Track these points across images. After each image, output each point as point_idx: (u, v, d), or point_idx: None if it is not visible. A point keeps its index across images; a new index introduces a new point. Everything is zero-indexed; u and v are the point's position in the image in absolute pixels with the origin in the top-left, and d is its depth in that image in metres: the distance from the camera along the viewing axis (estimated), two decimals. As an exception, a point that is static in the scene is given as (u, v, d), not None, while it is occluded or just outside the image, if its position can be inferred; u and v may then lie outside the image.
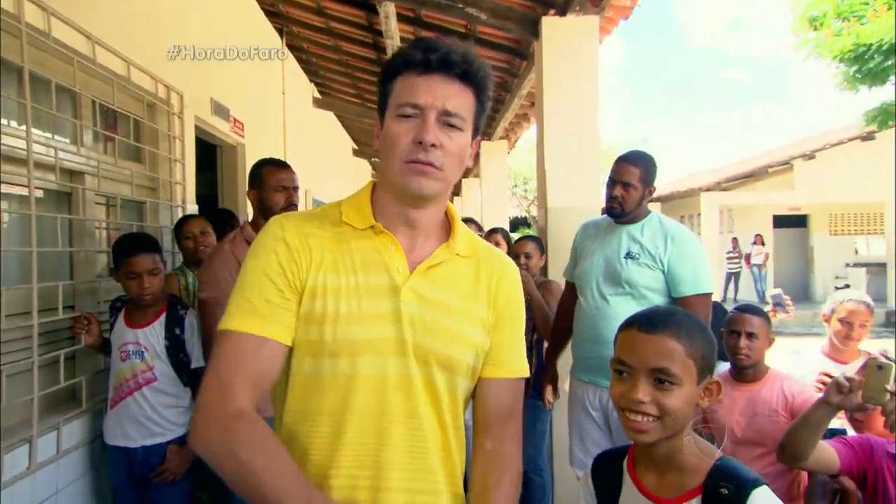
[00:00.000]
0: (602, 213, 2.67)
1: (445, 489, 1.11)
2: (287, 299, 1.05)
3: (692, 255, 2.45)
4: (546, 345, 3.14)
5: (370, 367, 1.05)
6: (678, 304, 2.42)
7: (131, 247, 2.43)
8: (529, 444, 3.33)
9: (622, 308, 2.36)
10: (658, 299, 2.44)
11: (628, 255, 2.47)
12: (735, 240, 15.68)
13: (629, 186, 2.46)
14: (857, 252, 15.92)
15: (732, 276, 15.59)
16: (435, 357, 1.08)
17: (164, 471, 2.44)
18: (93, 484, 2.62)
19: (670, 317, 1.21)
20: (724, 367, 2.54)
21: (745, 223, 16.21)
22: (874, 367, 1.67)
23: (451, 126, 1.05)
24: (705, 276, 2.45)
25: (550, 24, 3.56)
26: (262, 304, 1.04)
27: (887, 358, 1.90)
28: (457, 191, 13.57)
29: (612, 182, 2.50)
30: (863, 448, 1.84)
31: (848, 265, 15.28)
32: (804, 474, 2.23)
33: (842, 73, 9.62)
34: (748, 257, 15.30)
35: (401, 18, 4.70)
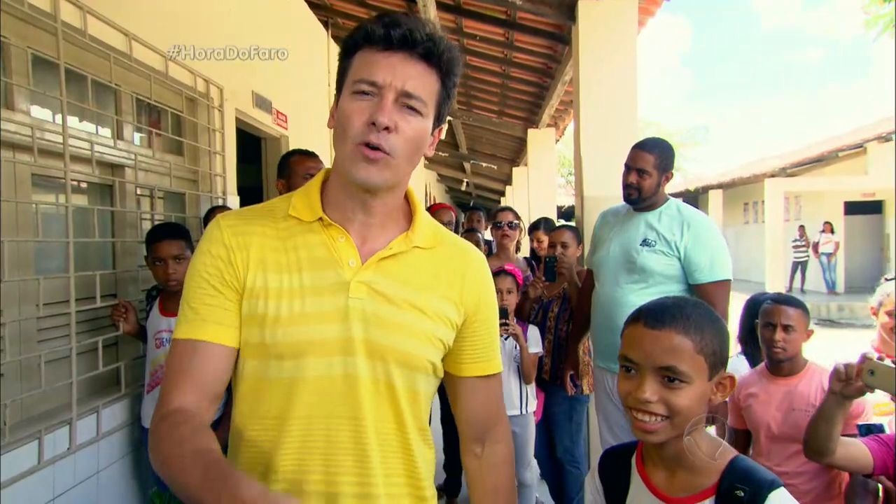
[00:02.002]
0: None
1: (405, 492, 1.06)
2: (228, 299, 1.01)
3: (709, 242, 2.43)
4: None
5: (315, 368, 1.00)
6: (695, 291, 2.40)
7: (158, 233, 2.53)
8: (566, 436, 3.30)
9: (637, 296, 2.38)
10: (674, 287, 2.43)
11: (644, 243, 2.47)
12: (802, 227, 15.02)
13: (644, 173, 2.46)
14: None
15: (799, 266, 14.96)
16: (391, 353, 1.02)
17: None
18: (133, 465, 2.73)
19: (678, 310, 1.13)
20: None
21: (814, 210, 15.49)
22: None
23: (410, 108, 0.98)
24: (723, 264, 2.42)
25: (587, 8, 3.47)
26: (200, 308, 1.01)
27: None
28: (508, 180, 13.48)
29: (628, 169, 2.51)
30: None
31: (929, 253, 14.40)
32: (844, 473, 2.12)
33: (916, 50, 9.02)
34: (815, 246, 14.63)
35: (440, 7, 4.68)
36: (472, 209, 5.12)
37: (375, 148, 0.96)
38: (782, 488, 1.08)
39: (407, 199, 1.13)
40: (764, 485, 1.07)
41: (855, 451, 1.71)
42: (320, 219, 1.04)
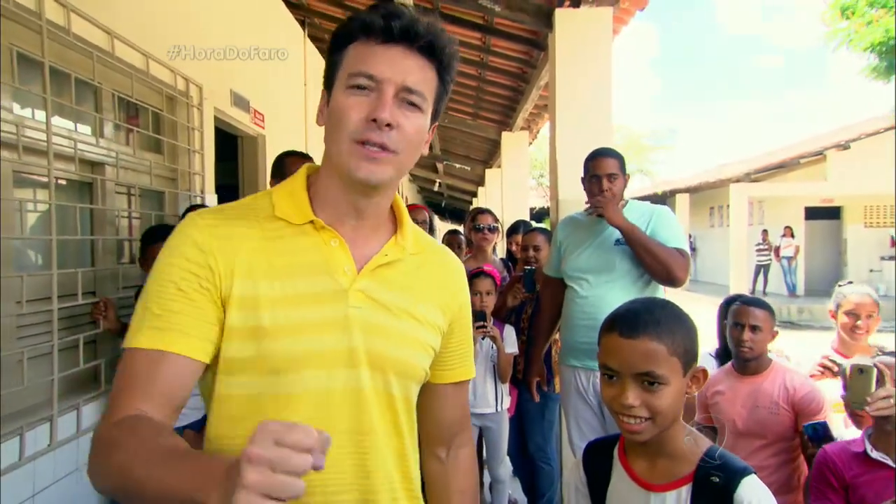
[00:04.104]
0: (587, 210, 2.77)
1: (403, 496, 1.03)
2: (200, 308, 0.90)
3: (672, 221, 2.64)
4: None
5: (315, 381, 0.94)
6: None
7: (156, 235, 2.58)
8: (538, 433, 3.38)
9: (617, 293, 2.49)
10: (652, 280, 2.57)
11: (618, 242, 2.59)
12: (765, 232, 15.43)
13: (614, 177, 2.61)
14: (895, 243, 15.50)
15: (762, 269, 15.39)
16: (391, 364, 0.99)
17: None
18: (112, 462, 2.73)
19: (649, 315, 1.20)
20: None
21: (776, 215, 15.92)
22: (856, 371, 1.66)
23: (411, 104, 0.94)
24: (684, 241, 2.62)
25: (564, 16, 3.56)
26: (165, 315, 0.89)
27: (883, 352, 1.87)
28: (480, 181, 13.57)
29: (597, 178, 2.64)
30: (826, 477, 1.80)
31: (883, 258, 14.92)
32: (803, 465, 2.23)
33: (873, 64, 9.42)
34: (777, 250, 15.05)
35: (418, 11, 4.72)
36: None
37: (377, 146, 0.92)
38: (753, 475, 1.17)
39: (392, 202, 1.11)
40: (737, 472, 1.17)
41: None
42: (311, 221, 0.98)
